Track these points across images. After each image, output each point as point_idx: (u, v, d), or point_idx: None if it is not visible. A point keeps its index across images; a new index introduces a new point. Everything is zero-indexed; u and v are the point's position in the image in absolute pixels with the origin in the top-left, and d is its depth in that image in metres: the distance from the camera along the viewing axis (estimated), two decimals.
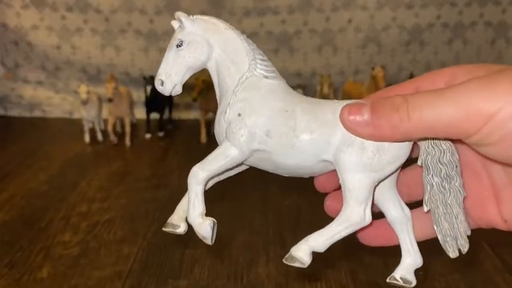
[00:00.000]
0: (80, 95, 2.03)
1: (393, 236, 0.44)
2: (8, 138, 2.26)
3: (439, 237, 0.41)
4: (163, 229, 0.46)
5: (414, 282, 0.42)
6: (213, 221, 0.44)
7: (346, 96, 2.28)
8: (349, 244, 1.23)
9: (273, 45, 2.50)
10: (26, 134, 2.34)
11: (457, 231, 0.40)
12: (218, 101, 0.47)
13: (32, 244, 1.23)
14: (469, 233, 0.41)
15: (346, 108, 0.39)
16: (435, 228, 0.41)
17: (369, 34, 2.47)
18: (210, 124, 2.23)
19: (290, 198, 1.51)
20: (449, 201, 0.40)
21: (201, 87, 2.06)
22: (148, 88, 2.12)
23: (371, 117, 0.38)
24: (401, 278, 0.43)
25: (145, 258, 1.17)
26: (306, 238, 0.43)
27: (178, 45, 0.45)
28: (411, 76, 2.11)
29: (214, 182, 0.49)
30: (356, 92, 2.16)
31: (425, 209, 0.42)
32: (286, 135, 0.42)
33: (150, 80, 2.13)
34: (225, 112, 0.44)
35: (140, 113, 2.41)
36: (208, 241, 0.44)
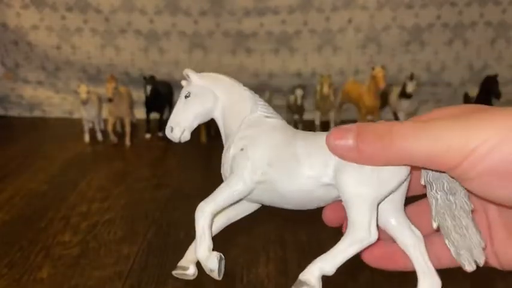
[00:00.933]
0: (80, 95, 2.03)
1: (400, 260, 0.44)
2: (8, 138, 2.25)
3: (452, 251, 0.40)
4: (173, 272, 0.49)
5: None
6: (220, 255, 0.46)
7: (346, 96, 2.28)
8: None
9: (273, 45, 2.50)
10: (26, 134, 2.34)
11: (469, 242, 0.39)
12: (224, 143, 0.51)
13: (32, 244, 1.23)
14: (483, 244, 0.40)
15: (333, 132, 0.40)
16: (446, 242, 0.40)
17: (369, 34, 2.47)
18: (210, 124, 2.23)
19: None
20: (456, 213, 0.40)
21: None
22: (148, 88, 2.12)
23: (355, 142, 0.38)
24: None
25: (145, 258, 1.17)
26: (313, 262, 0.44)
27: (186, 96, 0.49)
28: (411, 76, 2.11)
29: (223, 226, 0.53)
30: (356, 92, 2.17)
31: (434, 225, 0.41)
32: (288, 162, 0.44)
33: (150, 80, 2.13)
34: (230, 149, 0.47)
35: (140, 113, 2.41)
36: (216, 274, 0.46)
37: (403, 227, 0.43)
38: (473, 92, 2.16)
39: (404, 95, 2.15)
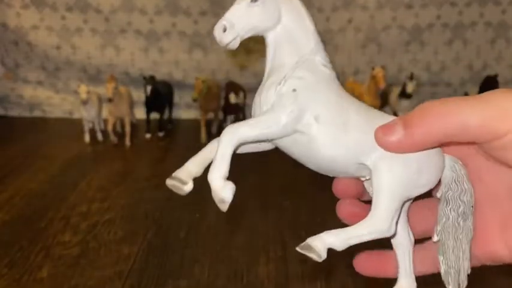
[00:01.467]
0: (80, 95, 2.03)
1: (388, 268, 0.45)
2: (8, 138, 2.26)
3: (443, 268, 0.41)
4: (167, 181, 0.43)
5: None
6: (233, 186, 0.41)
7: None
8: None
9: None
10: (26, 134, 2.34)
11: (461, 266, 0.41)
12: (266, 71, 0.45)
13: (32, 244, 1.23)
14: (469, 271, 0.42)
15: (379, 129, 0.40)
16: (440, 258, 0.42)
17: (369, 34, 2.47)
18: (210, 124, 2.23)
19: (290, 198, 1.51)
20: (460, 237, 0.41)
21: (201, 87, 2.06)
22: (148, 88, 2.12)
23: (405, 130, 0.38)
24: None
25: (145, 258, 1.17)
26: (326, 232, 0.41)
27: (254, 0, 0.42)
28: (411, 76, 2.11)
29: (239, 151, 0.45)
30: (356, 92, 2.17)
31: (435, 238, 0.42)
32: (336, 127, 0.41)
33: (150, 80, 2.13)
34: (279, 84, 0.42)
35: (140, 113, 2.41)
36: (226, 206, 0.40)
37: (402, 228, 0.44)
38: (473, 92, 2.16)
39: (404, 95, 2.15)
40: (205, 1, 2.42)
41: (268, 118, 0.41)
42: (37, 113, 2.65)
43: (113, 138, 2.12)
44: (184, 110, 2.54)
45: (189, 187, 0.42)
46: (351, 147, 0.41)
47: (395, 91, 2.25)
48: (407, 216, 0.45)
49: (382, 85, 2.00)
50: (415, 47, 2.49)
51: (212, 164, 0.41)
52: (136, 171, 1.82)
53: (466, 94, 2.26)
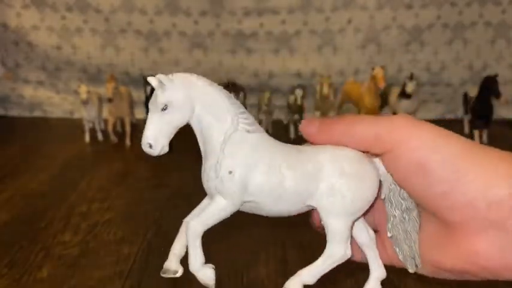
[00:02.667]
0: (80, 95, 2.03)
1: (357, 254, 0.52)
2: (8, 138, 2.26)
3: (400, 257, 0.48)
4: (162, 275, 0.52)
5: None
6: (213, 268, 0.51)
7: (346, 96, 2.28)
8: None
9: (273, 45, 2.50)
10: (26, 134, 2.34)
11: (414, 253, 0.47)
12: (203, 155, 0.50)
13: (32, 244, 1.23)
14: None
15: (304, 121, 0.48)
16: (397, 250, 0.49)
17: (369, 34, 2.47)
18: None
19: None
20: (408, 229, 0.47)
21: None
22: (149, 88, 2.12)
23: (317, 128, 0.47)
24: None
25: (146, 258, 1.17)
26: (298, 273, 0.50)
27: (163, 109, 0.46)
28: (411, 76, 2.11)
29: None
30: (356, 92, 2.17)
31: (389, 234, 0.49)
32: (274, 188, 0.47)
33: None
34: (215, 170, 0.47)
35: (140, 113, 2.41)
36: (212, 286, 0.51)
37: (361, 229, 0.51)
38: (473, 92, 2.16)
39: (404, 95, 2.15)
40: (205, 1, 2.42)
41: (219, 204, 0.47)
42: (37, 113, 2.65)
43: (113, 138, 2.12)
44: None
45: (180, 273, 0.53)
46: (293, 199, 0.47)
47: (395, 91, 2.25)
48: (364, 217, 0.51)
49: (382, 85, 2.00)
50: (415, 47, 2.49)
51: (189, 259, 0.50)
52: (137, 171, 1.82)
53: (465, 94, 2.26)
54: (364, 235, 0.51)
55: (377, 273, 0.51)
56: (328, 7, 2.43)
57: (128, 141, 2.11)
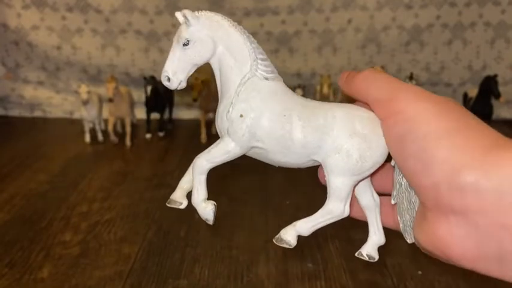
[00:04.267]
0: (81, 95, 2.03)
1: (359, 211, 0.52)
2: (8, 138, 2.26)
3: (401, 226, 0.48)
4: (167, 204, 0.52)
5: (377, 258, 0.50)
6: (214, 205, 0.50)
7: (345, 96, 2.28)
8: (349, 244, 1.23)
9: (273, 45, 2.50)
10: (26, 134, 2.35)
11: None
12: (220, 95, 0.50)
13: (33, 244, 1.23)
14: None
15: (342, 74, 0.49)
16: (398, 218, 0.48)
17: (369, 34, 2.47)
18: (210, 124, 2.24)
19: (290, 198, 1.51)
20: (413, 200, 0.46)
21: (201, 88, 2.07)
22: (149, 88, 2.12)
23: (346, 77, 0.48)
24: (367, 255, 0.50)
25: (146, 258, 1.17)
26: (293, 223, 0.51)
27: (185, 44, 0.47)
28: (411, 76, 2.12)
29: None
30: None
31: (393, 202, 0.48)
32: (283, 137, 0.47)
33: (151, 80, 2.14)
34: (228, 111, 0.48)
35: (140, 113, 2.41)
36: (210, 222, 0.50)
37: (365, 191, 0.51)
38: (473, 92, 2.16)
39: None
40: (205, 1, 2.42)
41: (227, 145, 0.48)
42: (37, 113, 2.65)
43: (113, 138, 2.12)
44: (184, 110, 2.54)
45: (184, 205, 0.52)
46: (300, 151, 0.47)
47: None
48: (372, 180, 0.51)
49: None
50: (414, 47, 2.49)
51: (193, 191, 0.50)
52: (137, 171, 1.82)
53: (465, 94, 2.26)
54: (368, 197, 0.50)
55: (375, 238, 0.51)
56: (328, 7, 2.43)
57: (128, 141, 2.11)
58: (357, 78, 0.46)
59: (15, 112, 2.67)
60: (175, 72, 0.48)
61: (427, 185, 0.38)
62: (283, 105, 0.47)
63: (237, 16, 2.45)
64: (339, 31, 2.47)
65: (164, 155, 2.02)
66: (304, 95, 2.17)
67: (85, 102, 2.05)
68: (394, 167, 0.48)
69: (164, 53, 2.53)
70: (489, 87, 2.00)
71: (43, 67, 2.58)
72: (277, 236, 0.51)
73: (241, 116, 0.47)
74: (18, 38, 2.53)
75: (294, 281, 1.09)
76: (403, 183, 0.47)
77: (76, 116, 2.55)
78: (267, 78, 0.48)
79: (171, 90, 2.03)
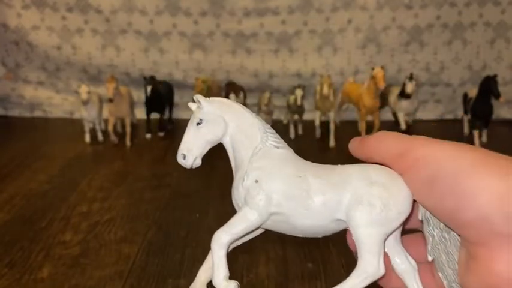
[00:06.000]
0: (81, 95, 2.03)
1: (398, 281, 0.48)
2: (8, 138, 2.26)
3: (445, 283, 0.44)
4: None
5: None
6: (237, 284, 0.48)
7: (345, 96, 2.29)
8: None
9: (273, 45, 2.50)
10: (26, 134, 2.35)
11: None
12: (234, 171, 0.51)
13: (33, 244, 1.23)
14: None
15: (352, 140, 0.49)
16: (440, 275, 0.45)
17: (369, 34, 2.47)
18: None
19: None
20: (450, 250, 0.44)
21: (201, 88, 2.07)
22: (149, 88, 2.13)
23: (358, 144, 0.48)
24: None
25: (146, 258, 1.17)
26: None
27: (198, 123, 0.50)
28: (411, 76, 2.12)
29: (232, 247, 0.53)
30: (356, 92, 2.17)
31: (430, 258, 0.46)
32: (301, 198, 0.46)
33: (151, 80, 2.14)
34: (243, 180, 0.48)
35: (140, 113, 2.41)
36: None
37: (400, 257, 0.48)
38: (473, 92, 2.16)
39: (403, 95, 2.15)
40: (205, 1, 2.43)
41: (245, 214, 0.48)
42: (37, 113, 2.65)
43: (113, 138, 2.12)
44: (184, 110, 2.54)
45: None
46: (321, 210, 0.46)
47: (395, 91, 2.25)
48: (405, 246, 0.48)
49: (381, 85, 2.01)
50: (414, 47, 2.49)
51: (213, 270, 0.50)
52: (137, 171, 1.82)
53: (465, 94, 2.26)
54: (404, 262, 0.48)
55: None
56: (328, 7, 2.43)
57: (128, 142, 2.11)
58: (369, 140, 0.46)
59: (15, 112, 2.67)
60: (191, 150, 0.50)
61: (475, 218, 0.36)
62: (296, 168, 0.48)
63: (237, 16, 2.45)
64: (339, 31, 2.47)
65: (164, 155, 2.02)
66: (304, 95, 2.18)
67: (85, 102, 2.05)
68: (422, 221, 0.46)
69: (164, 53, 2.53)
70: (489, 87, 1.99)
71: (43, 67, 2.58)
72: None
73: (256, 181, 0.47)
74: (18, 38, 2.53)
75: (294, 281, 1.09)
76: (435, 234, 0.45)
77: (76, 116, 2.55)
78: (277, 147, 0.50)
79: (171, 90, 2.03)
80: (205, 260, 0.52)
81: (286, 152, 0.50)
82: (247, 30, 2.48)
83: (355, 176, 0.46)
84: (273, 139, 0.50)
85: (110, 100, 2.02)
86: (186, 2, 2.44)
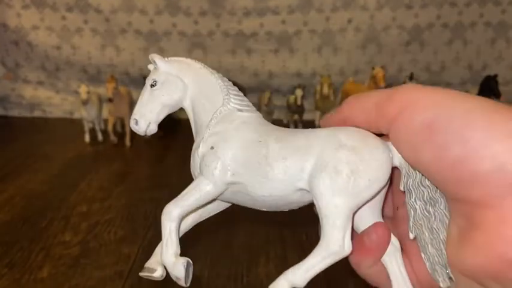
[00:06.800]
0: (80, 95, 2.03)
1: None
2: (8, 138, 2.26)
3: (427, 265, 0.38)
4: (140, 274, 0.45)
5: None
6: (188, 261, 0.43)
7: (346, 96, 2.28)
8: None
9: (273, 45, 2.50)
10: (26, 134, 2.34)
11: (445, 258, 0.37)
12: (194, 137, 0.47)
13: (32, 244, 1.23)
14: None
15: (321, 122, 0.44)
16: (422, 256, 0.38)
17: (369, 34, 2.47)
18: None
19: None
20: (434, 226, 0.38)
21: None
22: None
23: (328, 116, 0.43)
24: None
25: (146, 258, 1.16)
26: (284, 273, 0.40)
27: (152, 85, 0.45)
28: (411, 76, 2.11)
29: (194, 223, 0.48)
30: (356, 92, 2.16)
31: (411, 236, 0.39)
32: (259, 164, 0.40)
33: None
34: (199, 146, 0.44)
35: None
36: (182, 282, 0.43)
37: None
38: (473, 91, 2.16)
39: None
40: (205, 1, 2.42)
41: (198, 184, 0.43)
42: (37, 113, 2.65)
43: (113, 138, 2.12)
44: (185, 110, 2.53)
45: (158, 273, 0.45)
46: (281, 178, 0.40)
47: None
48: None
49: (382, 85, 2.00)
50: (415, 47, 2.49)
51: (162, 246, 0.44)
52: (136, 171, 1.82)
53: None
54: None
55: None
56: (328, 7, 2.43)
57: (127, 141, 2.11)
58: (343, 105, 0.41)
59: (15, 112, 2.66)
60: (144, 114, 0.46)
61: (488, 168, 0.30)
62: (258, 132, 0.42)
63: (237, 16, 2.45)
64: (339, 31, 2.47)
65: (164, 155, 2.02)
66: (304, 95, 2.18)
67: (85, 102, 2.05)
68: (403, 191, 0.40)
69: (164, 52, 2.53)
70: (489, 87, 1.99)
71: (43, 67, 2.58)
72: None
73: (211, 148, 0.42)
74: (18, 38, 2.53)
75: None
76: (417, 207, 0.39)
77: (76, 116, 2.55)
78: (240, 110, 0.44)
79: None
80: (162, 236, 0.46)
81: (250, 116, 0.45)
82: (247, 30, 2.47)
83: (321, 139, 0.39)
84: (236, 101, 0.45)
85: (110, 100, 2.01)
86: (186, 2, 2.43)
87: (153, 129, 0.47)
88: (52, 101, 2.63)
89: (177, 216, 0.43)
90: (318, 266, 0.40)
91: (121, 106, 2.09)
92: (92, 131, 2.19)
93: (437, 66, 2.53)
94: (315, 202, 0.39)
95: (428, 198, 0.38)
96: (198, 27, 2.47)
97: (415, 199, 0.39)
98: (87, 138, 2.16)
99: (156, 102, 0.46)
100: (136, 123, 0.46)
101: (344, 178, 0.38)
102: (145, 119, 0.46)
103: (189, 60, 0.46)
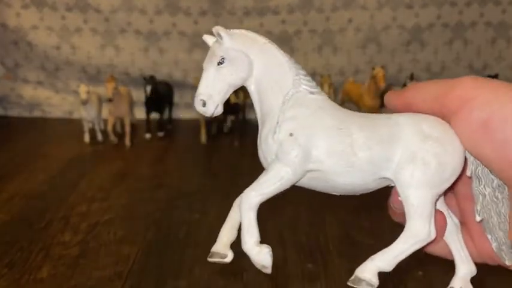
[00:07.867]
0: (80, 95, 2.03)
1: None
2: (8, 138, 2.25)
3: (494, 246, 0.41)
4: (209, 259, 0.45)
5: None
6: (270, 249, 0.43)
7: (346, 96, 2.28)
8: (349, 243, 1.22)
9: None
10: (25, 134, 2.34)
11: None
12: (259, 119, 0.44)
13: (32, 244, 1.23)
14: None
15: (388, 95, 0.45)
16: (489, 237, 0.41)
17: (369, 34, 2.47)
18: (210, 124, 2.23)
19: (290, 198, 1.50)
20: (503, 211, 0.40)
21: None
22: (148, 88, 2.12)
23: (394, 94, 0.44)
24: None
25: (145, 258, 1.17)
26: (371, 258, 0.42)
27: (220, 63, 0.42)
28: (411, 76, 2.11)
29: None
30: (356, 92, 2.16)
31: (478, 218, 0.41)
32: (344, 153, 0.40)
33: (150, 80, 2.13)
34: (275, 132, 0.42)
35: (140, 113, 2.41)
36: (269, 270, 0.43)
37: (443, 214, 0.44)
38: None
39: None
40: (205, 1, 2.42)
41: (278, 171, 0.41)
42: (37, 113, 2.64)
43: (113, 138, 2.12)
44: (184, 110, 2.53)
45: (229, 258, 0.45)
46: (367, 168, 0.41)
47: None
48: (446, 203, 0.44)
49: (382, 85, 2.00)
50: (415, 47, 2.49)
51: (242, 234, 0.43)
52: (136, 171, 1.82)
53: None
54: (448, 220, 0.43)
55: (465, 268, 0.43)
56: (328, 7, 2.43)
57: (127, 141, 2.10)
58: (407, 89, 0.42)
59: (14, 112, 2.66)
60: (211, 96, 0.42)
61: None
62: (337, 118, 0.41)
63: (237, 16, 2.45)
64: (339, 31, 2.47)
65: (164, 155, 2.02)
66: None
67: (84, 102, 2.05)
68: (471, 178, 0.41)
69: (164, 52, 2.53)
70: None
71: (42, 67, 2.58)
72: (352, 278, 0.43)
73: (291, 134, 0.41)
74: (17, 38, 2.53)
75: (294, 281, 1.09)
76: (486, 193, 0.40)
77: (75, 116, 2.55)
78: (312, 93, 0.43)
79: (170, 89, 2.02)
80: (226, 220, 0.45)
81: (322, 99, 0.43)
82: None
83: (406, 129, 0.40)
84: (306, 83, 0.43)
85: (110, 100, 2.01)
86: (185, 2, 2.43)
87: (219, 111, 0.43)
88: (51, 101, 2.63)
89: (257, 204, 0.42)
90: (406, 252, 0.41)
91: (121, 106, 2.09)
92: (92, 131, 2.19)
93: (438, 66, 2.53)
94: (401, 191, 0.40)
95: (497, 185, 0.40)
96: (198, 27, 2.47)
97: (484, 186, 0.40)
98: (86, 138, 2.15)
99: (224, 82, 0.42)
100: (204, 104, 0.42)
101: (432, 170, 0.39)
102: (214, 100, 0.42)
103: (252, 34, 0.44)
